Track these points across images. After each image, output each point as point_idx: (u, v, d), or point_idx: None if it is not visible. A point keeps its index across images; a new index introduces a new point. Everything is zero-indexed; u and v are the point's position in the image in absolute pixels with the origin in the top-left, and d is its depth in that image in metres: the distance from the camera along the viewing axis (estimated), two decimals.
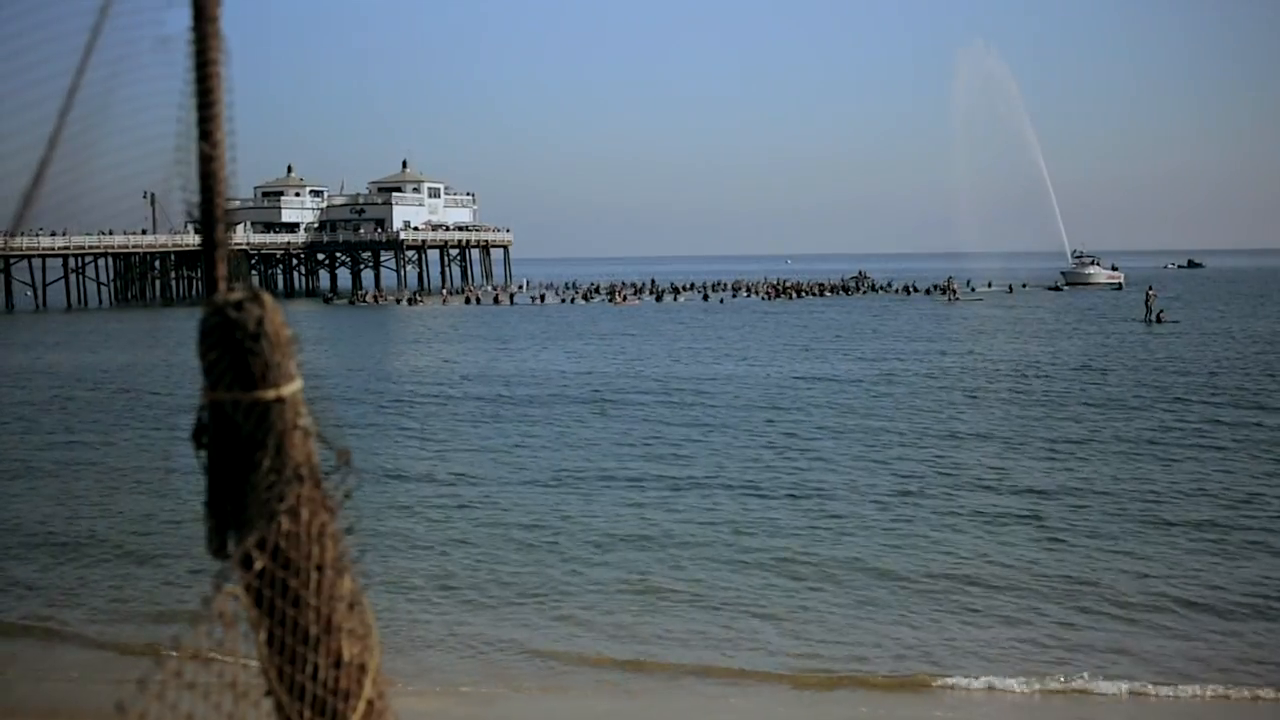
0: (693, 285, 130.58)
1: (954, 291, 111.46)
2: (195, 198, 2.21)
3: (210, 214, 2.20)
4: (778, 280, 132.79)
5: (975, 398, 40.90)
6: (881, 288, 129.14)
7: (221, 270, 2.22)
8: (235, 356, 2.15)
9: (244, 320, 2.15)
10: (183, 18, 2.14)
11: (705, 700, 14.94)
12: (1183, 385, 42.60)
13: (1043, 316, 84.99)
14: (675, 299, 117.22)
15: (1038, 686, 14.99)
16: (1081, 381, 44.53)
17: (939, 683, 15.19)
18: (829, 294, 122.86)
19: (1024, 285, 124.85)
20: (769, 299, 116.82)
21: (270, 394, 2.16)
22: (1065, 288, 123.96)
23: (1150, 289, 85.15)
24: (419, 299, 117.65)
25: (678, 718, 14.62)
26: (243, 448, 2.17)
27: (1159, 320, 76.00)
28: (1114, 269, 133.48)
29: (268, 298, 2.19)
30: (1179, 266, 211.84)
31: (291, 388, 2.18)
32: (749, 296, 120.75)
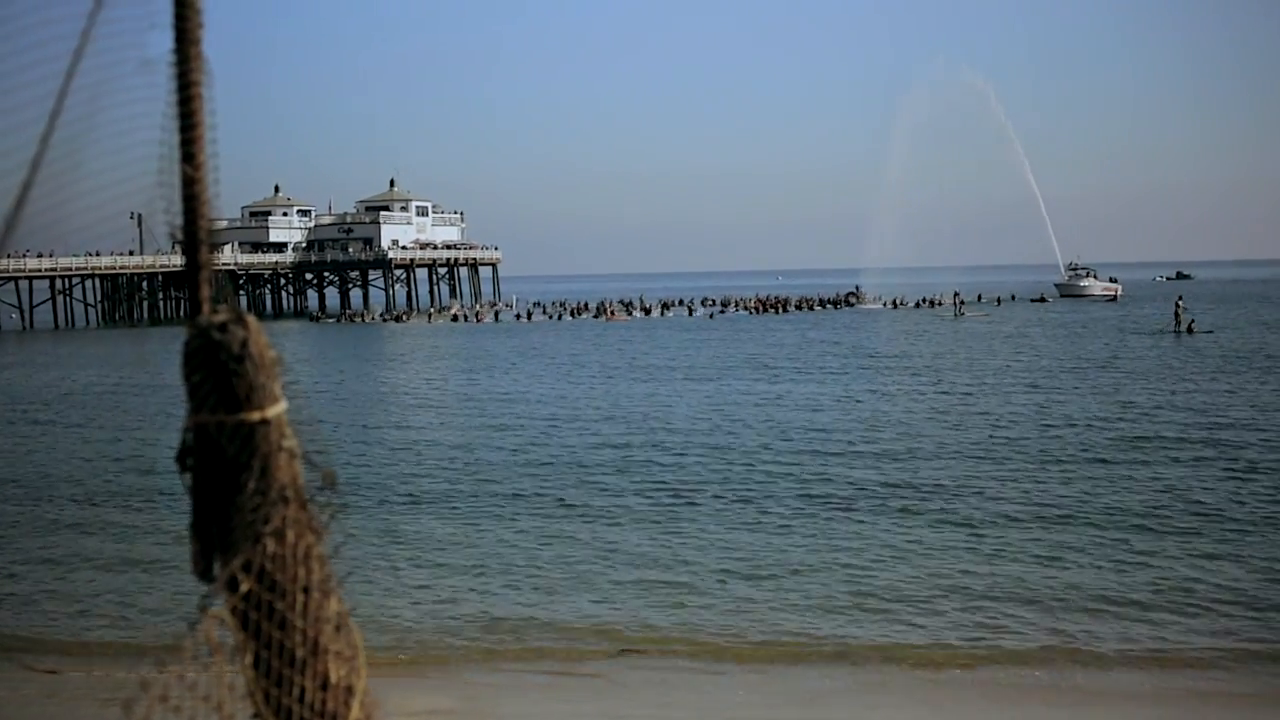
0: (681, 301, 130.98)
1: (960, 306, 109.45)
2: (179, 220, 2.21)
3: (193, 236, 2.20)
4: (766, 295, 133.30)
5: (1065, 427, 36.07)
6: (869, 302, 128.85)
7: (205, 292, 2.22)
8: (220, 378, 2.14)
9: (228, 342, 2.14)
10: (165, 40, 2.14)
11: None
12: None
13: (1064, 332, 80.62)
14: (663, 314, 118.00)
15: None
16: (1162, 408, 39.34)
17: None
18: (819, 309, 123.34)
19: (1012, 297, 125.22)
20: (756, 313, 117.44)
21: (255, 416, 2.16)
22: (1050, 299, 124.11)
23: (1180, 300, 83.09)
24: (405, 317, 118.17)
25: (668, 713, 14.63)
26: (228, 470, 2.17)
27: (1190, 331, 73.67)
28: (1112, 280, 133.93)
29: (252, 319, 2.19)
30: (1167, 279, 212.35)
31: (276, 409, 2.18)
32: (737, 311, 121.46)
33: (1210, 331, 74.58)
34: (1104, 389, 45.69)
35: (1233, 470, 28.29)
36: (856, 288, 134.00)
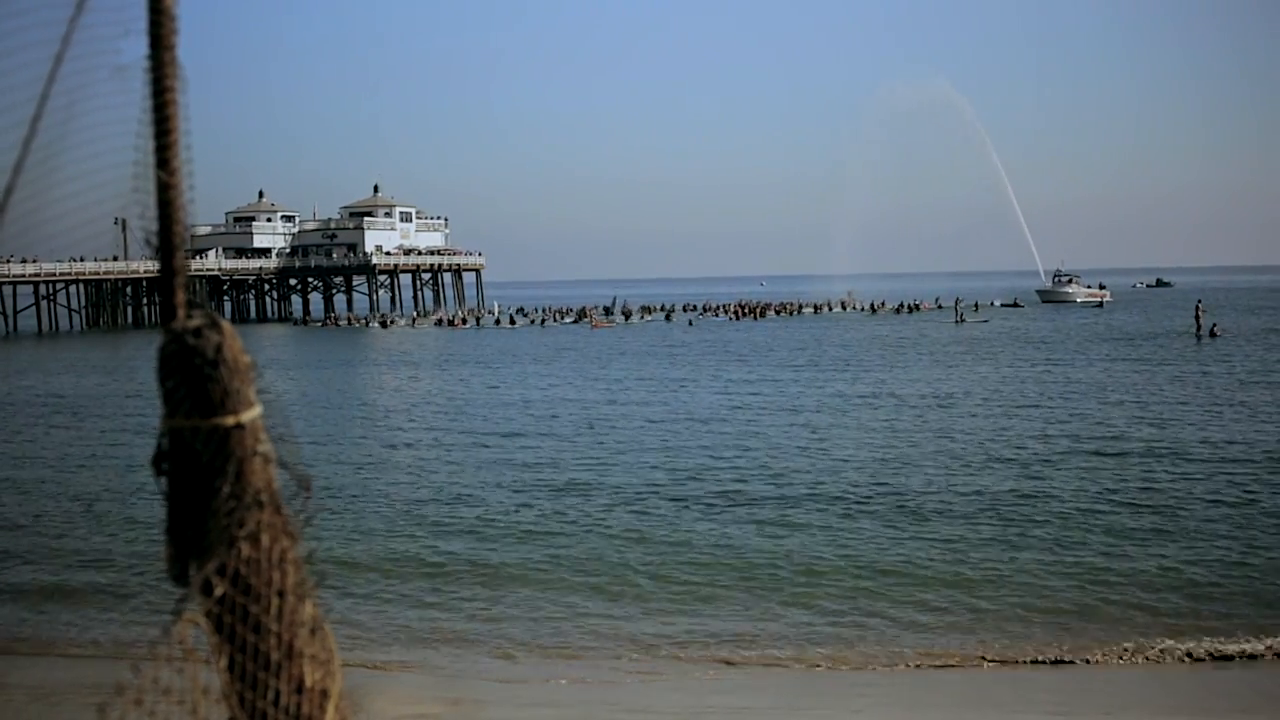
0: (661, 307, 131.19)
1: (961, 311, 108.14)
2: (153, 225, 2.21)
3: (168, 241, 2.20)
4: (744, 301, 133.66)
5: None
6: (849, 307, 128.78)
7: (180, 297, 2.22)
8: (194, 383, 2.15)
9: (202, 347, 2.15)
10: (139, 46, 2.15)
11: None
12: None
13: (1081, 339, 77.46)
14: (641, 319, 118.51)
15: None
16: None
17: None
18: (800, 313, 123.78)
19: (991, 304, 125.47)
20: (736, 319, 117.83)
21: (229, 420, 2.16)
22: (1025, 305, 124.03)
23: (1200, 303, 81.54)
24: (389, 322, 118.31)
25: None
26: (202, 474, 2.17)
27: (1213, 335, 72.10)
28: (1101, 287, 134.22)
29: (226, 324, 2.19)
30: (1147, 285, 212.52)
31: (251, 414, 2.19)
32: (716, 316, 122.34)
33: (1234, 336, 72.86)
34: (1199, 400, 42.80)
35: None
36: (849, 293, 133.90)
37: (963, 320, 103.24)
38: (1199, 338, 72.80)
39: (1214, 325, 74.83)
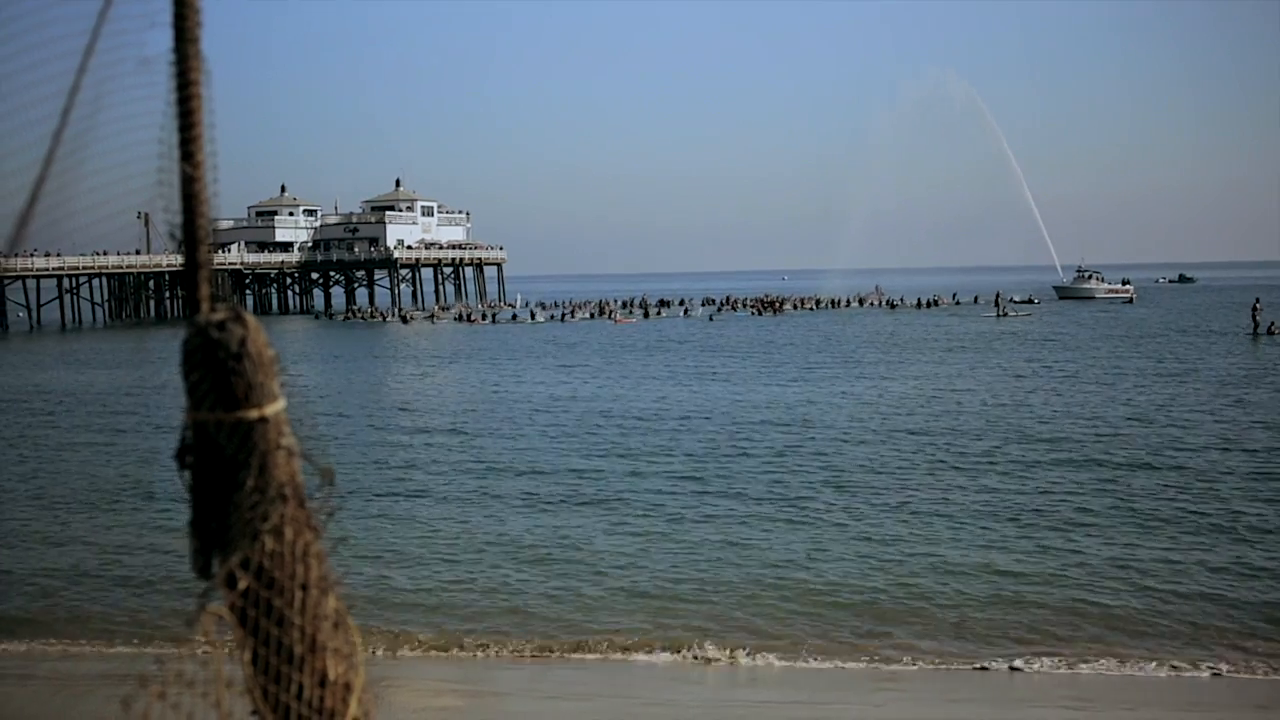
0: (681, 301, 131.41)
1: (1001, 306, 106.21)
2: (178, 219, 2.21)
3: (192, 235, 2.20)
4: (763, 296, 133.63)
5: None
6: (867, 302, 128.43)
7: (204, 290, 2.22)
8: (218, 377, 2.15)
9: (226, 340, 2.15)
10: (164, 39, 2.15)
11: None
12: None
13: (1130, 335, 74.94)
14: (659, 314, 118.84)
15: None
16: None
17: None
18: (831, 308, 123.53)
19: (1011, 299, 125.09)
20: (757, 314, 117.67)
21: (253, 414, 2.16)
22: (1039, 301, 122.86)
23: (1257, 301, 79.18)
24: (411, 317, 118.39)
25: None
26: (226, 467, 2.17)
27: (1270, 333, 69.55)
28: (1125, 283, 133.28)
29: (250, 317, 2.19)
30: (1170, 281, 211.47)
31: (274, 407, 2.19)
32: (736, 311, 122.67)
33: None
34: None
35: None
36: (876, 288, 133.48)
37: (1005, 314, 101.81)
38: (1256, 336, 70.51)
39: (1271, 324, 71.90)
